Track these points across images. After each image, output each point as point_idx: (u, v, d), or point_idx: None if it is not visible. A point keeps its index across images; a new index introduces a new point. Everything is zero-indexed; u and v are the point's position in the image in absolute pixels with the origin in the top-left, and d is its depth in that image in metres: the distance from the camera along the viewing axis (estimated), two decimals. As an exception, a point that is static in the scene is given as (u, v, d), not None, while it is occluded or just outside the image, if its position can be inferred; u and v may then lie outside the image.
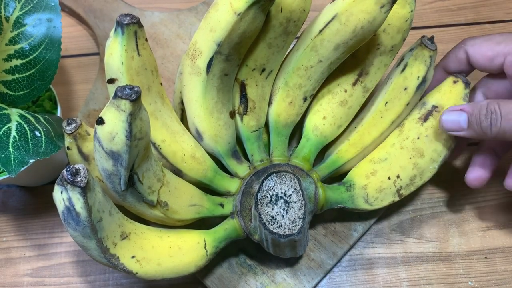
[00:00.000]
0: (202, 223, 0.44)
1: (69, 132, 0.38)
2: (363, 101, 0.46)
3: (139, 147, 0.34)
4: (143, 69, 0.39)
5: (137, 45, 0.38)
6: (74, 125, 0.38)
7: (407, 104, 0.45)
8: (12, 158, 0.38)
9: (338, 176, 0.47)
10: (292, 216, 0.40)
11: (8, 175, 0.44)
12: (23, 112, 0.42)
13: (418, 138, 0.44)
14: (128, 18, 0.37)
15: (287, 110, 0.45)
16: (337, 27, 0.40)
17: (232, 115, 0.43)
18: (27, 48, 0.43)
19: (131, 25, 0.37)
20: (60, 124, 0.43)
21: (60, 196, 0.33)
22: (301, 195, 0.41)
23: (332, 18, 0.40)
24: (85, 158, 0.39)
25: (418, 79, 0.44)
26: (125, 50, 0.37)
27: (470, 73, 0.46)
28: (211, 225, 0.43)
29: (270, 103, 0.45)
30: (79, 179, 0.32)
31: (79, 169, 0.33)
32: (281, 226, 0.40)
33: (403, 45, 0.46)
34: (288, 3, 0.39)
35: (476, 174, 0.44)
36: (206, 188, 0.43)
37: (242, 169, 0.44)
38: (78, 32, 0.61)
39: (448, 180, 0.51)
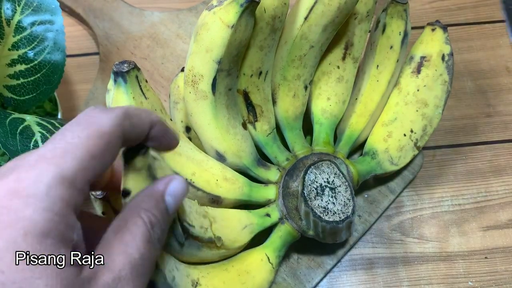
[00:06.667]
0: (251, 240, 0.43)
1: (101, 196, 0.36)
2: (356, 71, 0.47)
3: None
4: (153, 110, 0.37)
5: (141, 89, 0.36)
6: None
7: (397, 61, 0.46)
8: None
9: (354, 150, 0.48)
10: (341, 200, 0.40)
11: None
12: (38, 119, 0.40)
13: (418, 90, 0.46)
14: (125, 65, 0.35)
15: (293, 104, 0.45)
16: (322, 9, 0.41)
17: (244, 126, 0.43)
18: (31, 54, 0.42)
19: (131, 71, 0.35)
20: None
21: None
22: (343, 177, 0.41)
23: (315, 2, 0.40)
24: None
25: (400, 34, 0.46)
26: (133, 98, 0.36)
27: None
28: (260, 238, 0.43)
29: (274, 102, 0.45)
30: None
31: None
32: (335, 213, 0.40)
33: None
34: (270, 1, 0.39)
35: None
36: (247, 206, 0.43)
37: (272, 174, 0.43)
38: (78, 32, 0.60)
39: (448, 180, 0.50)
